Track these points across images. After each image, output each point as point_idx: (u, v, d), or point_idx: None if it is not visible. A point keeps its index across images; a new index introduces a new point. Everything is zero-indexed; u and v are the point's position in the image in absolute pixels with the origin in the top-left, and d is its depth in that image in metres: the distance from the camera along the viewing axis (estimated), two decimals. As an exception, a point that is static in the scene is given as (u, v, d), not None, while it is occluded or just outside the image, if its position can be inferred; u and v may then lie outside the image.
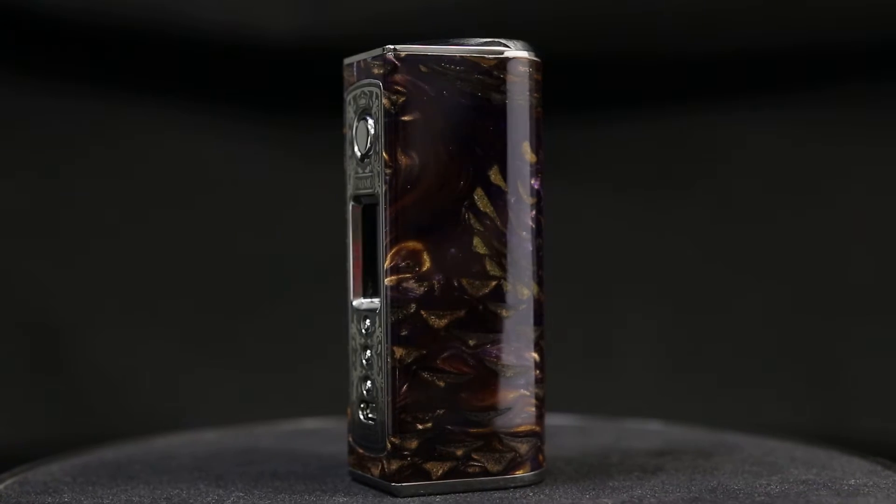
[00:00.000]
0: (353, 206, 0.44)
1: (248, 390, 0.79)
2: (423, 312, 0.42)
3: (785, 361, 0.79)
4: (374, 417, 0.43)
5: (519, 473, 0.44)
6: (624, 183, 0.80)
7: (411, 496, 0.43)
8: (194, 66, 0.80)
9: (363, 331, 0.44)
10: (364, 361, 0.44)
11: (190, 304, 0.80)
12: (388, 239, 0.42)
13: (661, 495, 0.43)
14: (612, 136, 0.80)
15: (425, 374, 0.43)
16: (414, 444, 0.42)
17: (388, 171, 0.42)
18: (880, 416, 0.79)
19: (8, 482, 0.47)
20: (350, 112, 0.44)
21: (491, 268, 0.43)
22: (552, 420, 0.59)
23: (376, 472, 0.43)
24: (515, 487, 0.44)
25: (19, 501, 0.44)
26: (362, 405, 0.44)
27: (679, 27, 0.77)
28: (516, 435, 0.44)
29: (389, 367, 0.42)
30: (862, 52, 0.78)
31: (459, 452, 0.43)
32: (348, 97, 0.44)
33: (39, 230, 0.79)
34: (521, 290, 0.44)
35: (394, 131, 0.42)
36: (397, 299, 0.42)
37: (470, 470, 0.43)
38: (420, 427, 0.42)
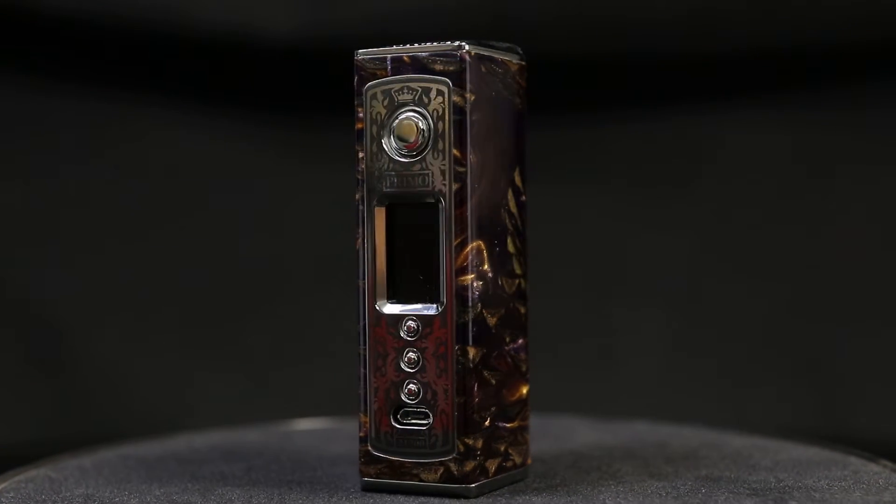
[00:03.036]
0: (376, 206, 0.43)
1: (248, 390, 0.79)
2: (485, 311, 0.43)
3: (785, 361, 0.79)
4: (427, 422, 0.43)
5: (528, 463, 0.46)
6: (624, 183, 0.81)
7: (481, 495, 0.43)
8: (194, 65, 0.80)
9: (403, 334, 0.43)
10: (404, 365, 0.43)
11: (191, 305, 0.80)
12: (459, 238, 0.42)
13: (661, 496, 0.43)
14: (611, 137, 0.81)
15: (486, 373, 0.43)
16: (480, 443, 0.43)
17: (460, 169, 0.42)
18: (880, 416, 0.79)
19: (8, 483, 0.47)
20: (379, 106, 0.43)
21: (516, 266, 0.45)
22: (553, 420, 0.59)
23: (432, 476, 0.43)
24: (523, 479, 0.46)
25: (20, 502, 0.44)
26: (396, 410, 0.43)
27: (679, 27, 0.77)
28: (526, 428, 0.46)
29: (460, 367, 0.42)
30: (862, 52, 0.78)
31: (502, 448, 0.44)
32: (374, 91, 0.43)
33: (40, 231, 0.79)
34: (527, 287, 0.46)
35: (464, 130, 0.42)
36: (468, 298, 0.42)
37: (508, 464, 0.45)
38: (484, 426, 0.43)
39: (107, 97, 0.79)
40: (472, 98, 0.42)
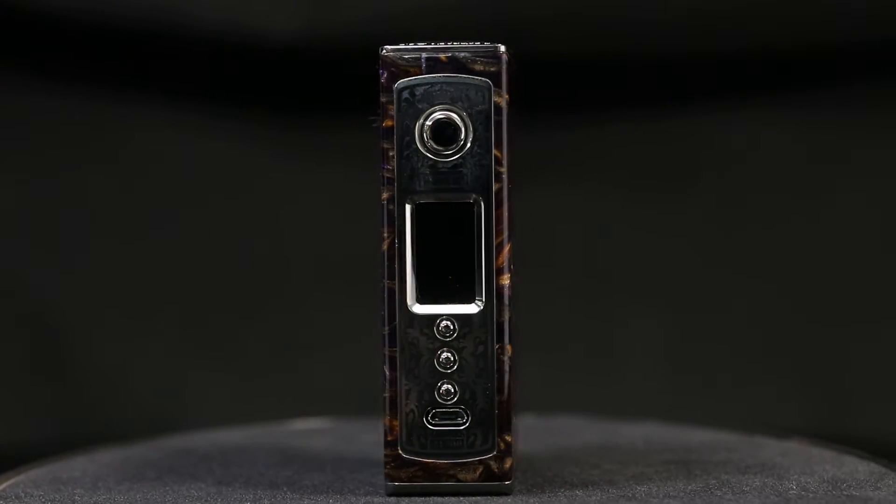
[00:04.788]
0: (408, 205, 0.43)
1: (248, 390, 0.79)
2: (512, 310, 0.44)
3: (785, 362, 0.79)
4: (464, 421, 0.43)
5: None
6: (624, 183, 0.80)
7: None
8: (194, 65, 0.80)
9: (437, 334, 0.43)
10: (438, 365, 0.43)
11: (191, 305, 0.80)
12: (499, 238, 0.43)
13: (661, 497, 0.43)
14: (611, 137, 0.81)
15: (514, 371, 0.44)
16: (513, 439, 0.44)
17: (500, 169, 0.43)
18: (880, 417, 0.79)
19: (8, 482, 0.47)
20: (412, 104, 0.43)
21: (516, 265, 0.45)
22: (553, 420, 0.59)
23: (471, 476, 0.43)
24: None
25: (19, 502, 0.44)
26: (429, 412, 0.43)
27: (679, 27, 0.77)
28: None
29: (502, 366, 0.43)
30: (862, 52, 0.78)
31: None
32: (407, 88, 0.43)
33: (40, 231, 0.79)
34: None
35: (501, 130, 0.43)
36: (507, 297, 0.43)
37: (517, 458, 0.45)
38: (513, 421, 0.44)
39: (106, 97, 0.79)
40: (508, 99, 0.43)
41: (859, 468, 0.47)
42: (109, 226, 0.79)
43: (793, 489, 0.44)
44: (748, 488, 0.44)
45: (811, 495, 0.44)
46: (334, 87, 0.78)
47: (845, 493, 0.44)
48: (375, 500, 0.43)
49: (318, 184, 0.80)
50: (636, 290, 0.80)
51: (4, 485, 0.46)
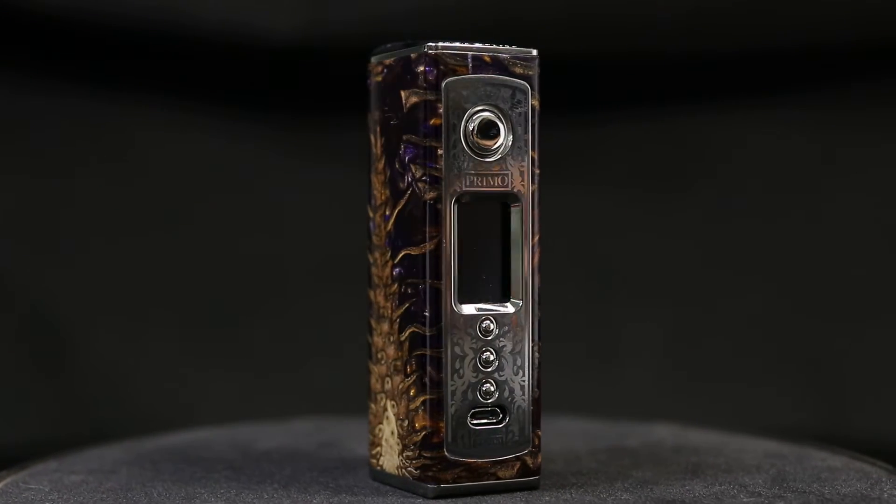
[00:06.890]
0: (454, 204, 0.43)
1: (248, 390, 0.79)
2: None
3: (785, 361, 0.79)
4: (505, 418, 0.43)
5: None
6: (624, 183, 0.81)
7: None
8: (194, 65, 0.80)
9: (480, 333, 0.43)
10: (481, 365, 0.43)
11: (191, 304, 0.80)
12: (535, 238, 0.44)
13: (660, 497, 0.43)
14: (612, 136, 0.81)
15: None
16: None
17: (537, 171, 0.44)
18: (880, 417, 0.79)
19: (7, 481, 0.47)
20: (460, 103, 0.43)
21: None
22: (554, 422, 0.59)
23: (509, 473, 0.44)
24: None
25: (19, 501, 0.44)
26: (472, 412, 0.43)
27: (679, 27, 0.77)
28: None
29: (536, 363, 0.44)
30: (862, 52, 0.78)
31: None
32: (455, 87, 0.43)
33: (41, 230, 0.79)
34: None
35: (535, 132, 0.43)
36: (540, 296, 0.44)
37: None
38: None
39: (107, 97, 0.79)
40: (539, 101, 0.44)
41: (773, 450, 0.50)
42: (109, 225, 0.79)
43: (771, 470, 0.46)
44: (736, 474, 0.46)
45: (799, 474, 0.46)
46: (334, 87, 0.78)
47: (819, 476, 0.46)
48: (413, 501, 0.43)
49: (318, 184, 0.80)
50: (637, 289, 0.80)
51: (4, 483, 0.46)
